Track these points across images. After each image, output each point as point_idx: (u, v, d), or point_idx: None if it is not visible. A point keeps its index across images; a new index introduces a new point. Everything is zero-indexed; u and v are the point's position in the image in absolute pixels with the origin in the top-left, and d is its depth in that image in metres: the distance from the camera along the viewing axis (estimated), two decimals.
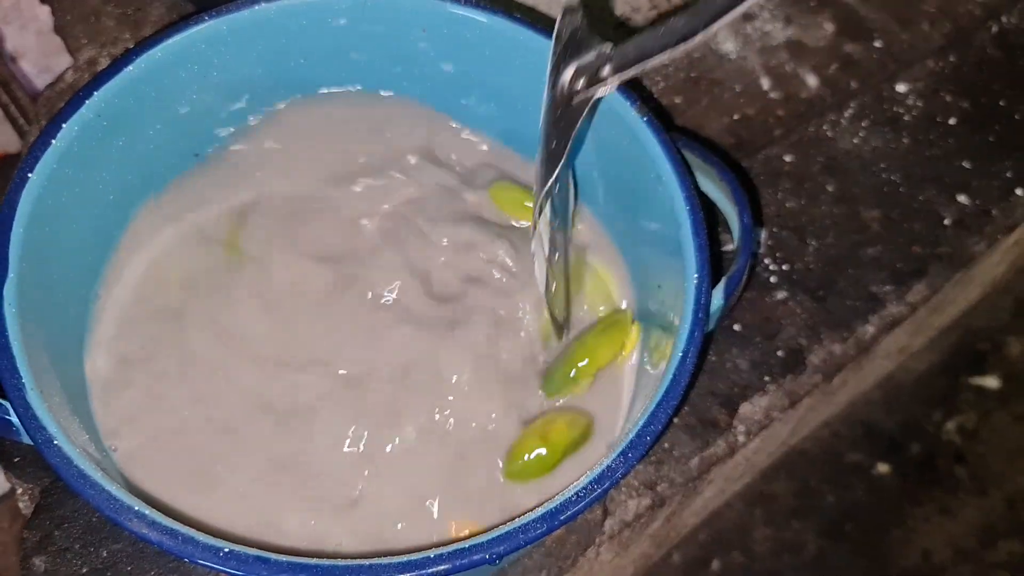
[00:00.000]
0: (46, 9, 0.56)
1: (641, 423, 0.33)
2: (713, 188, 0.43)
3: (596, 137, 0.43)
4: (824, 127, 0.57)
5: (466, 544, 0.31)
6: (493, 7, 0.43)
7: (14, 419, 0.33)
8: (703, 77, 0.57)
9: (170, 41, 0.40)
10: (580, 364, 0.40)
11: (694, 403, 0.47)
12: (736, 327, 0.49)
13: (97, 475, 0.31)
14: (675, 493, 0.45)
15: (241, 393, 0.39)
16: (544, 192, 0.37)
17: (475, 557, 0.31)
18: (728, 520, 0.75)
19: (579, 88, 0.36)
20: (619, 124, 0.41)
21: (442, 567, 0.30)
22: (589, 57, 0.36)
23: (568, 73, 0.36)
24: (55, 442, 0.32)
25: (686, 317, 0.36)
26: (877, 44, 0.61)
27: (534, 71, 0.39)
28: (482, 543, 0.31)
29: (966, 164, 0.57)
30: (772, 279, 0.51)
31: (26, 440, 0.34)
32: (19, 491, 0.42)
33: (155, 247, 0.43)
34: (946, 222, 0.54)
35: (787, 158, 0.55)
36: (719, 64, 0.58)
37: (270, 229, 0.43)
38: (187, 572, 0.40)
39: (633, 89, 0.41)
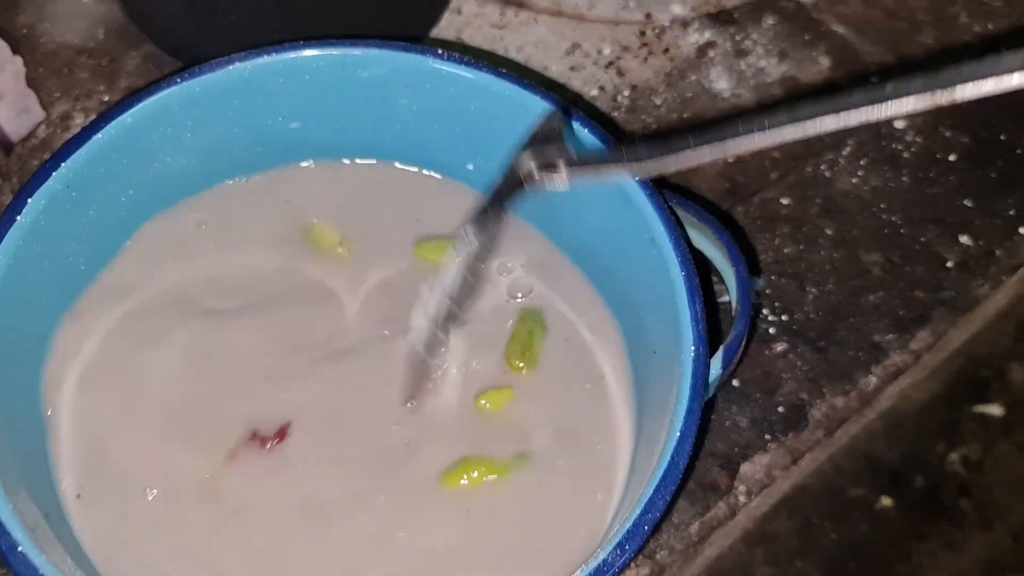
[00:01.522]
0: (19, 58, 0.55)
1: (638, 511, 0.32)
2: (709, 246, 0.41)
3: (588, 196, 0.41)
4: (822, 167, 0.55)
5: None
6: (479, 62, 0.41)
7: None
8: (696, 118, 0.55)
9: (140, 105, 0.39)
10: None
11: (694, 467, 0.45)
12: (735, 383, 0.47)
13: None
14: (674, 560, 0.44)
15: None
16: (461, 256, 0.38)
17: None
18: (729, 562, 0.73)
19: (536, 173, 0.38)
20: (610, 183, 0.39)
21: None
22: (551, 152, 0.38)
23: (528, 161, 0.38)
24: (19, 549, 0.30)
25: (683, 393, 0.34)
26: (874, 79, 0.59)
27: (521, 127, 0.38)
28: None
29: (968, 202, 0.55)
30: (771, 330, 0.49)
31: None
32: None
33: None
34: (949, 264, 0.53)
35: (784, 201, 0.53)
36: (712, 104, 0.56)
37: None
38: None
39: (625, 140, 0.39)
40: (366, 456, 0.38)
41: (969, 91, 0.28)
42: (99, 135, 0.38)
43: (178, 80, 0.39)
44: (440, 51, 0.41)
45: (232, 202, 0.45)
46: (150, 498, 0.37)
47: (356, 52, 0.41)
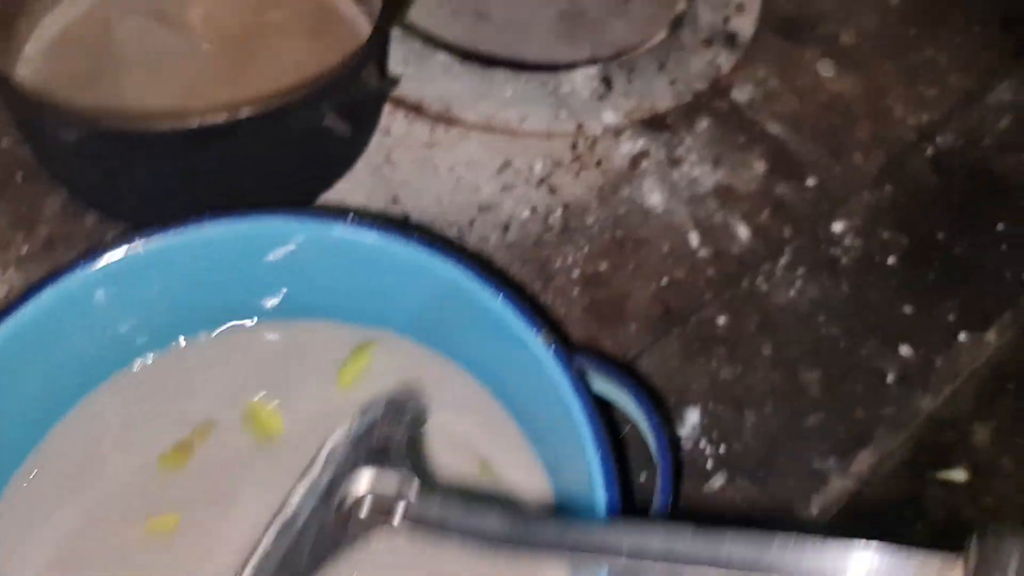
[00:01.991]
0: None
1: None
2: (633, 409, 0.40)
3: (504, 352, 0.40)
4: (758, 280, 0.55)
5: None
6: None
7: None
8: (628, 237, 0.55)
9: (59, 283, 0.38)
10: None
11: None
12: None
13: None
14: None
15: None
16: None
17: None
18: None
19: (362, 513, 0.31)
20: (524, 349, 0.39)
21: None
22: (389, 483, 0.31)
23: (358, 487, 0.31)
24: None
25: None
26: (810, 182, 0.59)
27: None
28: None
29: (907, 309, 0.55)
30: (708, 464, 0.48)
31: None
32: None
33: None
34: (889, 379, 0.52)
35: (720, 320, 0.53)
36: (645, 220, 0.56)
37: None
38: None
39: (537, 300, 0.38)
40: None
41: None
42: (12, 318, 0.37)
43: (99, 252, 0.39)
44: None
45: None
46: None
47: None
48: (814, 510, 0.48)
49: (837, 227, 0.57)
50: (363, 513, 0.31)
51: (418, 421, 0.41)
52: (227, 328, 0.44)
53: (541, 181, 0.57)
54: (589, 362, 0.39)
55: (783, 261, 0.55)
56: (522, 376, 0.40)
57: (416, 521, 0.30)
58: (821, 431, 0.50)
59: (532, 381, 0.39)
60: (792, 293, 0.54)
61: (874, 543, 0.25)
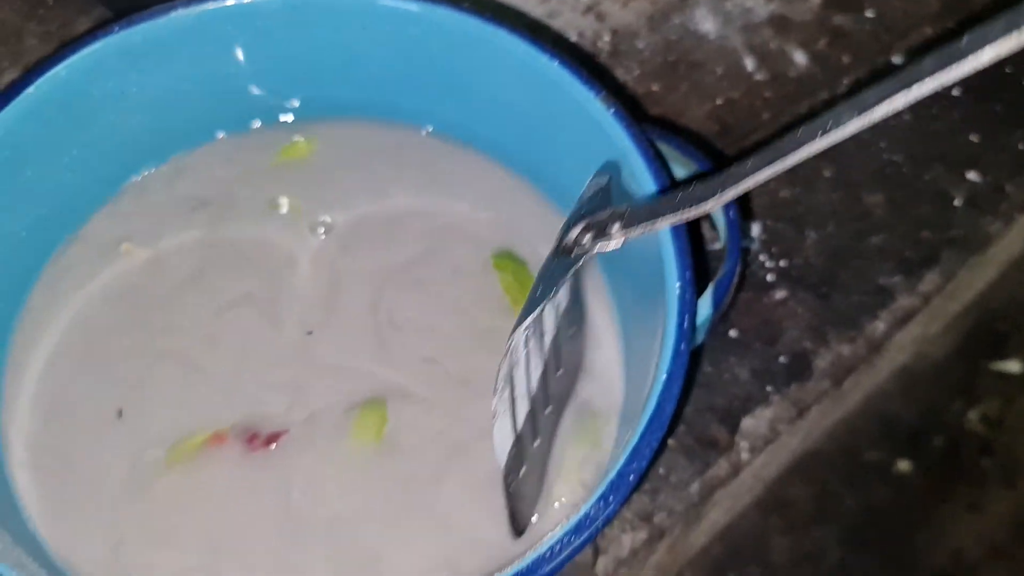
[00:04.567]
0: None
1: (622, 461, 0.29)
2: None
3: (562, 132, 0.38)
4: (817, 105, 0.52)
5: None
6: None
7: None
8: (681, 60, 0.52)
9: (75, 57, 0.36)
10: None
11: (690, 421, 0.42)
12: (732, 333, 0.44)
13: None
14: (675, 522, 0.41)
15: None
16: (514, 336, 0.31)
17: None
18: (743, 531, 0.70)
19: (584, 242, 0.33)
20: (583, 116, 0.37)
21: None
22: (603, 215, 0.33)
23: (578, 228, 0.33)
24: None
25: (669, 333, 0.31)
26: (868, 14, 0.56)
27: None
28: None
29: (974, 138, 0.52)
30: (769, 277, 0.46)
31: None
32: None
33: (73, 295, 0.39)
34: (956, 203, 0.50)
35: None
36: (698, 45, 0.53)
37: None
38: None
39: (601, 77, 0.37)
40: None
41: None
42: (30, 89, 0.35)
43: (116, 29, 0.37)
44: None
45: (197, 170, 0.42)
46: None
47: None
48: (881, 325, 0.46)
49: (897, 59, 0.55)
50: (585, 240, 0.33)
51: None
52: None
53: (588, 9, 0.54)
54: (657, 134, 0.37)
55: (841, 90, 0.53)
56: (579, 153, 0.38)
57: (630, 226, 0.32)
58: (885, 251, 0.48)
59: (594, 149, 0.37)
60: None
61: None
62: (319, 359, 0.38)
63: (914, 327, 0.49)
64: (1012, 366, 0.80)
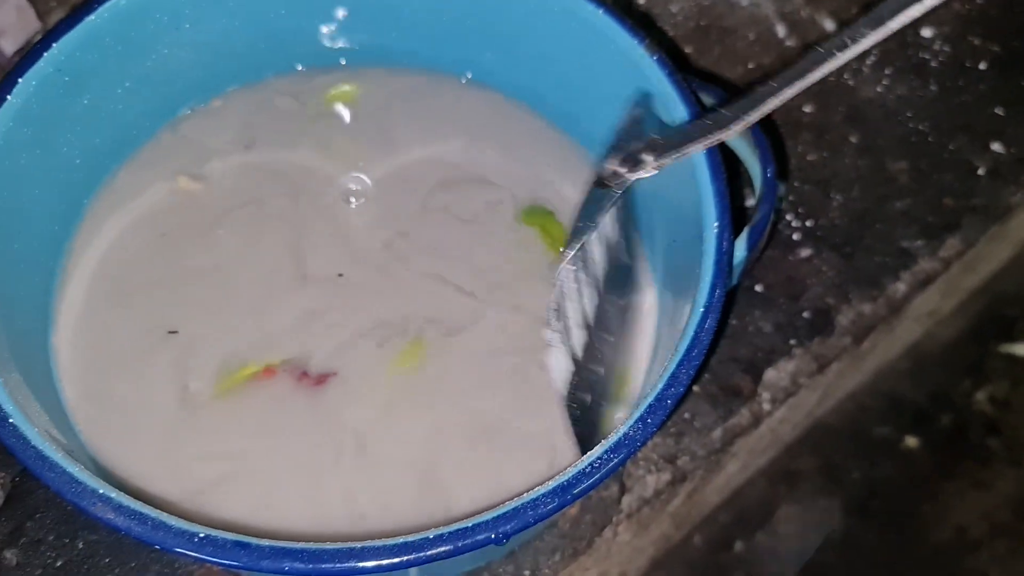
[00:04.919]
0: None
1: (661, 385, 0.30)
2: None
3: (601, 81, 0.39)
4: (845, 75, 0.53)
5: (469, 523, 0.28)
6: None
7: None
8: (713, 25, 0.53)
9: None
10: None
11: (715, 370, 0.43)
12: (758, 288, 0.46)
13: (57, 456, 0.28)
14: (697, 467, 0.42)
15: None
16: (560, 270, 0.33)
17: (479, 537, 0.27)
18: (751, 499, 0.72)
19: (621, 171, 0.35)
20: (626, 62, 0.37)
21: (443, 548, 0.27)
22: (638, 144, 0.35)
23: (615, 160, 0.35)
24: (10, 420, 0.29)
25: (706, 270, 0.32)
26: None
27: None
28: (487, 521, 0.28)
29: (999, 111, 0.53)
30: (795, 236, 0.47)
31: None
32: None
33: (124, 219, 0.40)
34: (979, 172, 0.51)
35: (807, 109, 0.51)
36: (730, 12, 0.54)
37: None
38: (170, 563, 0.37)
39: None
40: None
41: None
42: (91, 17, 0.36)
43: None
44: None
45: (245, 108, 0.43)
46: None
47: None
48: (902, 286, 0.47)
49: (926, 32, 0.56)
50: (622, 170, 0.34)
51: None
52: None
53: None
54: (696, 82, 0.38)
55: (871, 60, 0.54)
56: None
57: (664, 154, 0.34)
58: (909, 215, 0.49)
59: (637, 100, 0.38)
60: (879, 89, 0.53)
61: None
62: (356, 296, 0.39)
63: (932, 295, 0.50)
64: (1021, 349, 0.81)
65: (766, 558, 0.70)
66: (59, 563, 0.36)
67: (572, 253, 0.32)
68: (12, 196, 0.35)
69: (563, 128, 0.43)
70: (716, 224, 0.33)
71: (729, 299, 0.44)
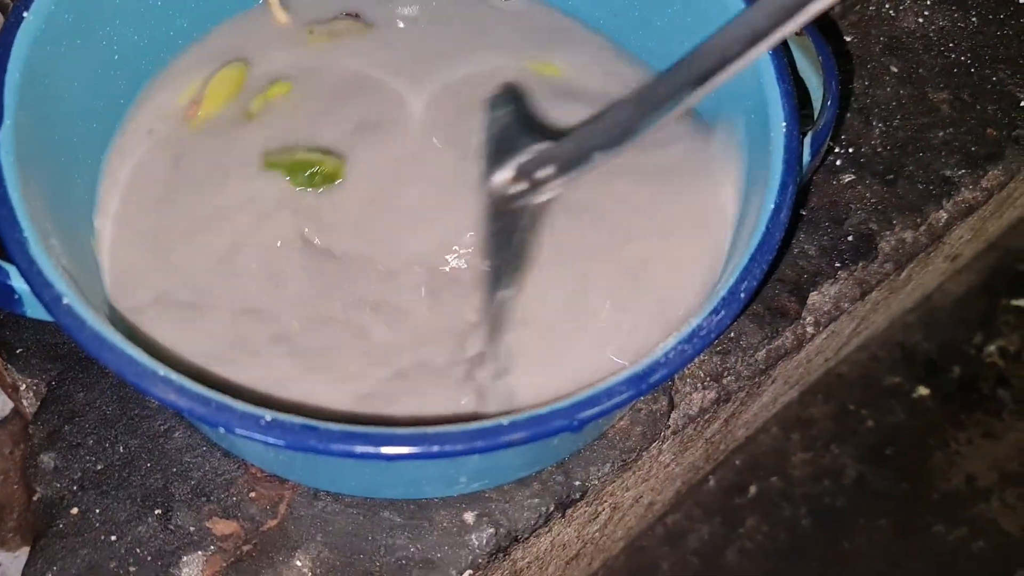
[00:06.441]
0: None
1: (733, 279, 0.29)
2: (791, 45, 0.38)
3: None
4: (885, 6, 0.52)
5: (545, 410, 0.27)
6: None
7: (16, 284, 0.29)
8: None
9: None
10: None
11: (761, 291, 0.43)
12: (802, 211, 0.45)
13: (115, 337, 0.27)
14: (740, 388, 0.42)
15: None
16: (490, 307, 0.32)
17: (556, 423, 0.27)
18: (765, 445, 0.72)
19: (521, 191, 0.31)
20: None
21: (518, 435, 0.26)
22: (526, 156, 0.31)
23: (504, 175, 0.32)
24: (64, 301, 0.28)
25: (776, 168, 0.32)
26: None
27: None
28: (563, 408, 0.27)
29: None
30: (838, 162, 0.47)
31: (29, 312, 0.30)
32: (22, 387, 0.38)
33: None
34: (1023, 103, 0.50)
35: (847, 38, 0.51)
36: None
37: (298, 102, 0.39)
38: (213, 469, 0.36)
39: None
40: None
41: None
42: None
43: None
44: None
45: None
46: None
47: None
48: (944, 215, 0.46)
49: None
50: (521, 190, 0.31)
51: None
52: None
53: None
54: None
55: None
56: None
57: (566, 170, 0.30)
58: (951, 145, 0.48)
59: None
60: (920, 20, 0.52)
61: None
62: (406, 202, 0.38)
63: (963, 230, 0.50)
64: None
65: (780, 502, 0.70)
66: (99, 467, 0.35)
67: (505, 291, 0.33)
68: (53, 81, 0.34)
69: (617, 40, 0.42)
70: (784, 124, 0.33)
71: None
